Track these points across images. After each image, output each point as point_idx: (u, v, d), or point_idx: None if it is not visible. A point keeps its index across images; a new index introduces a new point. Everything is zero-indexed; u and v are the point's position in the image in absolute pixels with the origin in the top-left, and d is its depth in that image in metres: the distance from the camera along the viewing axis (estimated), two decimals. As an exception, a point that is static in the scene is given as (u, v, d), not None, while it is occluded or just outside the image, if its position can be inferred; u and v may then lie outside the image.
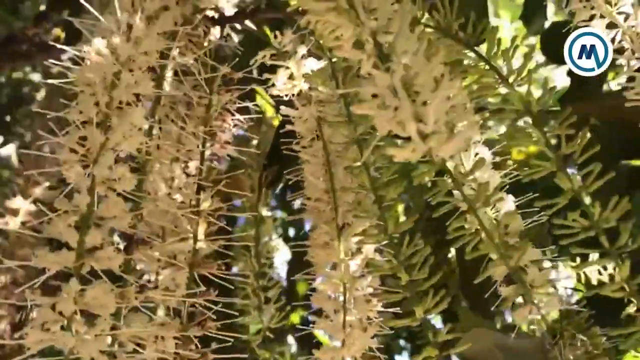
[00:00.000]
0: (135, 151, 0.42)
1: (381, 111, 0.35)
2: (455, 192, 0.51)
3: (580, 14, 0.58)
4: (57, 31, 1.27)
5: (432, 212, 0.52)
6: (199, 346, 0.48)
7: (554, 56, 1.16)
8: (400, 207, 1.24)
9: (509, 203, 0.54)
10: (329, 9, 0.43)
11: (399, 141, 0.35)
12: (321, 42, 0.56)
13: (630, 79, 0.55)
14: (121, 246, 0.40)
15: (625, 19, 0.57)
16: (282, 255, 1.37)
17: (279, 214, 1.49)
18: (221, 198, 0.55)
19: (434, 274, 0.51)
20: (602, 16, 0.58)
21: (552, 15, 1.35)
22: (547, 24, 1.19)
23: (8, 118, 1.63)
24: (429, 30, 0.52)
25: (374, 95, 0.36)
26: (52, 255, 0.37)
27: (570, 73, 1.07)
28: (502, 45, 0.52)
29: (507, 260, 0.45)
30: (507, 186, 0.55)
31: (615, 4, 0.57)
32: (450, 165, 0.52)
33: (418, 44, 0.37)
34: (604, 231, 0.47)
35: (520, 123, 0.54)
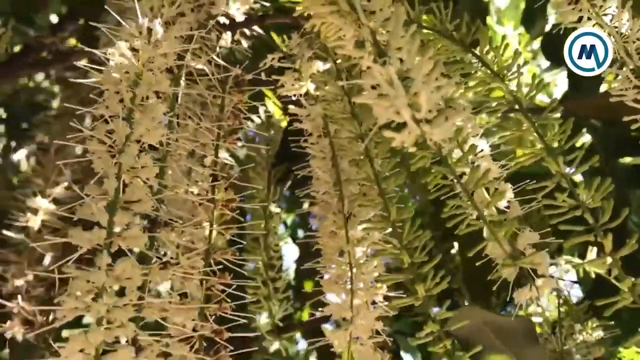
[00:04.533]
0: (157, 143, 0.46)
1: (380, 101, 0.38)
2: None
3: (567, 16, 0.62)
4: (72, 40, 1.32)
5: (434, 205, 0.56)
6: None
7: (555, 58, 1.19)
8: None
9: (508, 191, 0.58)
10: (332, 11, 0.47)
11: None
12: (326, 44, 0.60)
13: (615, 76, 0.58)
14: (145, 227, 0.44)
15: (611, 20, 0.60)
16: (291, 256, 1.41)
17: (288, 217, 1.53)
18: (235, 190, 0.59)
19: (434, 259, 0.55)
20: (589, 18, 0.62)
21: (553, 20, 1.38)
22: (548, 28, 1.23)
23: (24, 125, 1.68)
24: (427, 31, 0.56)
25: (373, 87, 0.40)
26: (85, 234, 0.41)
27: (569, 74, 1.10)
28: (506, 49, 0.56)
29: (498, 237, 0.49)
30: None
31: (601, 7, 0.61)
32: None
33: (410, 42, 0.41)
34: (589, 210, 0.51)
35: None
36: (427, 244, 0.53)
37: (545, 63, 1.35)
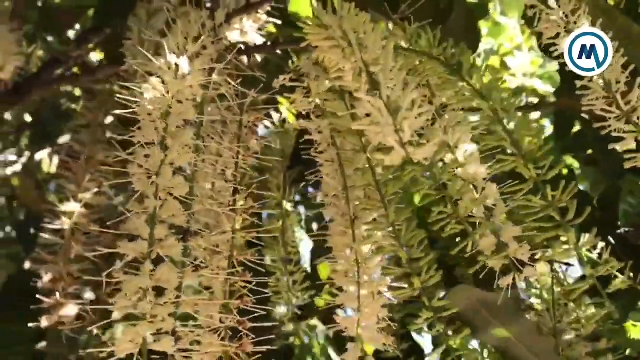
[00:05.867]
0: (186, 165, 0.55)
1: (371, 127, 0.46)
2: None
3: (547, 33, 0.69)
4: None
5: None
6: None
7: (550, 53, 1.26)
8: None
9: (494, 190, 0.65)
10: (332, 46, 0.55)
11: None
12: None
13: (585, 87, 0.65)
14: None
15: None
16: (306, 247, 1.50)
17: (302, 210, 1.62)
18: (253, 198, 0.67)
19: (429, 254, 0.63)
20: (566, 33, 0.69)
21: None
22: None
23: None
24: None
25: (367, 115, 0.48)
26: (131, 245, 0.49)
27: (561, 69, 1.17)
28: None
29: (474, 237, 0.57)
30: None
31: (575, 22, 0.68)
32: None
33: (398, 74, 0.48)
34: (557, 209, 0.58)
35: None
36: (423, 241, 0.61)
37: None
